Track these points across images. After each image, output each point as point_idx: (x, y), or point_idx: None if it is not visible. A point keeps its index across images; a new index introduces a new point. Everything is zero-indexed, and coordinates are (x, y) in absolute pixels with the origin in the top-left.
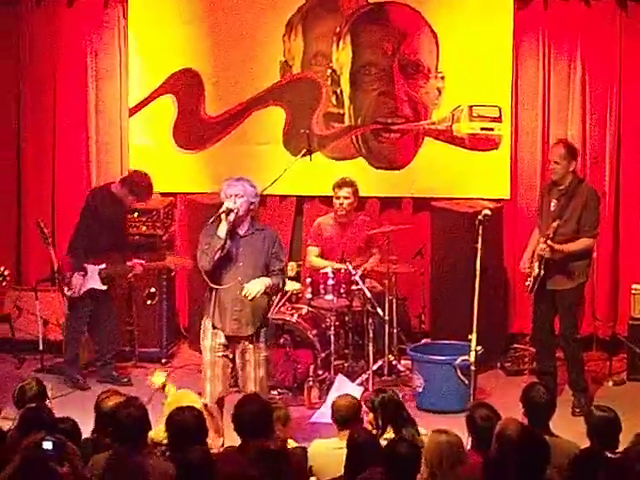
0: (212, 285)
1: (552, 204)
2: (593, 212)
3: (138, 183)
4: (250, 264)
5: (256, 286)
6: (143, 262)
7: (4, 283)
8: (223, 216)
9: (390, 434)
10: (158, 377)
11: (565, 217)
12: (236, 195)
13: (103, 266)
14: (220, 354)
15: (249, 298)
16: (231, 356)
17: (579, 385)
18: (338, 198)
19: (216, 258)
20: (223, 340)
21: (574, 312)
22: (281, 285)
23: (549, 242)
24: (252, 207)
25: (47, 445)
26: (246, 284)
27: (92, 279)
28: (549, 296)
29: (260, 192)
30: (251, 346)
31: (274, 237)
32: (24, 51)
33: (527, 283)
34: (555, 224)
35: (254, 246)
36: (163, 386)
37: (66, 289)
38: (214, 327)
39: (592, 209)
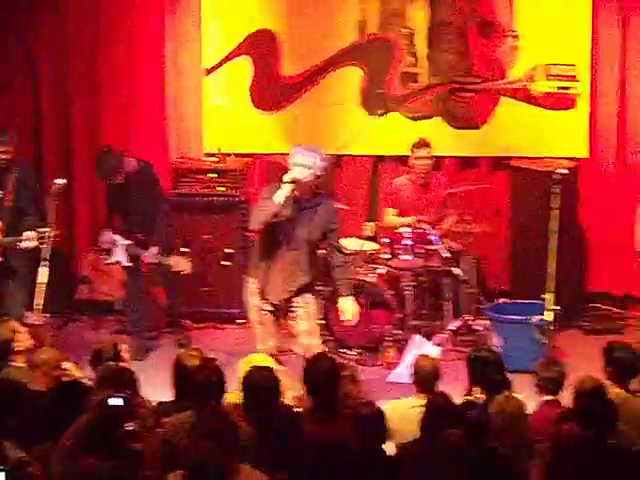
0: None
1: None
2: None
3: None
4: (305, 235)
5: (353, 308)
6: (149, 258)
7: (45, 245)
8: (286, 185)
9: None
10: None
11: None
12: (304, 166)
13: (129, 242)
14: (266, 311)
15: (351, 319)
16: (279, 312)
17: None
18: (417, 159)
19: (267, 222)
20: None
21: None
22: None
23: None
24: (318, 179)
25: (116, 401)
26: (345, 310)
27: (119, 252)
28: None
29: (336, 152)
30: (299, 299)
31: (333, 210)
32: (102, 10)
33: None
34: None
35: (313, 218)
36: None
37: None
38: (261, 295)
39: None
